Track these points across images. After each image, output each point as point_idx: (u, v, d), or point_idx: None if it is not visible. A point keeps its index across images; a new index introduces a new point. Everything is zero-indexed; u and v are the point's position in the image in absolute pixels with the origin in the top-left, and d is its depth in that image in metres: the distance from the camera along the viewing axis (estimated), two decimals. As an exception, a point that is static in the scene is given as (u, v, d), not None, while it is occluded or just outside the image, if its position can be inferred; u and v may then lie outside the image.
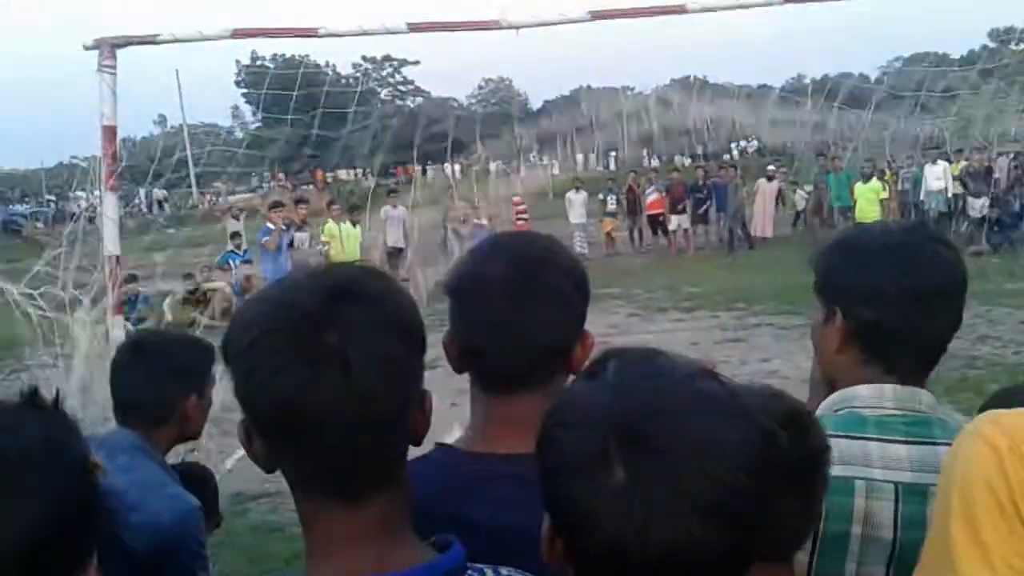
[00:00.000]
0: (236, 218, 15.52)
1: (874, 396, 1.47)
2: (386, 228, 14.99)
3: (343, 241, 13.31)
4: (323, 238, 13.27)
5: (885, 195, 15.40)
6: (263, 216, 12.92)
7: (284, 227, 11.99)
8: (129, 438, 2.06)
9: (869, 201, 15.21)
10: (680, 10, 4.33)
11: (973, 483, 1.10)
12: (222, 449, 4.66)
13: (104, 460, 1.21)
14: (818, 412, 1.54)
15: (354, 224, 14.04)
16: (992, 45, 41.00)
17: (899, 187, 17.89)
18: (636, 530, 0.83)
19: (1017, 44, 31.88)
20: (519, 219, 17.92)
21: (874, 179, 15.53)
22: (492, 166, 27.58)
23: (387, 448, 1.04)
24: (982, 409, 2.02)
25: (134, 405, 2.12)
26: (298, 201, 14.40)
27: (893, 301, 1.44)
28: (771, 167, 18.95)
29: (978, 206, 15.29)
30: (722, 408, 0.90)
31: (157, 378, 2.13)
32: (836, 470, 1.39)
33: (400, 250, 14.97)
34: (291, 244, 12.26)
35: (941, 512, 1.15)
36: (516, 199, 18.37)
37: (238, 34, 4.57)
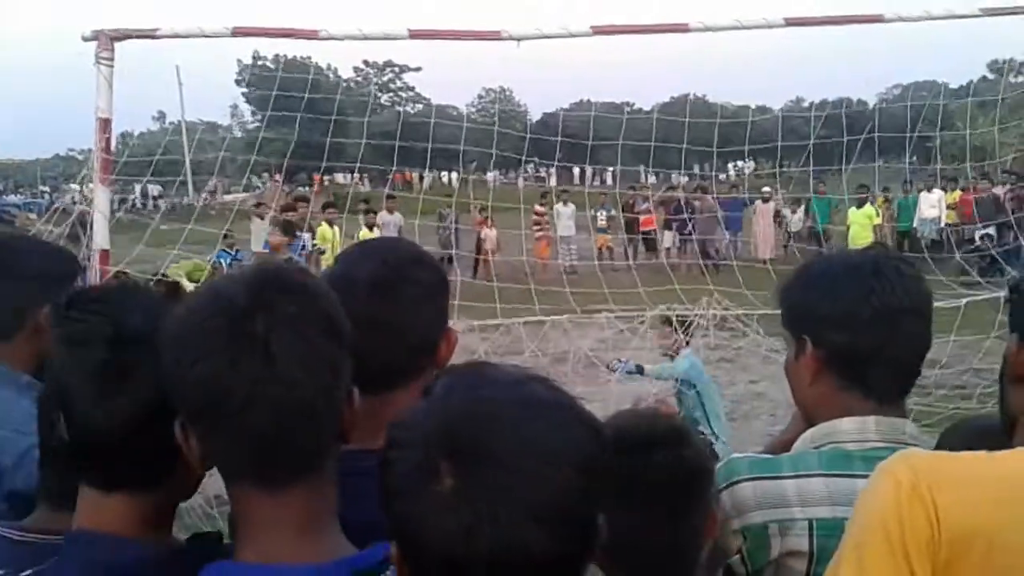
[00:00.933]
0: (261, 217, 15.28)
1: (858, 430, 1.45)
2: (382, 234, 14.99)
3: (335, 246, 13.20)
4: (315, 242, 13.14)
5: (878, 221, 15.41)
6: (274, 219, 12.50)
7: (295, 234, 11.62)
8: None
9: (862, 227, 15.21)
10: (682, 28, 4.35)
11: (869, 521, 1.13)
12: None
13: None
14: (797, 447, 1.53)
15: (370, 228, 14.01)
16: (991, 76, 41.27)
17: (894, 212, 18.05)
18: (464, 538, 0.83)
19: (1016, 76, 32.17)
20: (538, 230, 17.74)
21: (867, 204, 15.53)
22: (489, 175, 27.59)
23: (309, 437, 1.08)
24: (943, 436, 2.01)
25: None
26: (299, 199, 14.24)
27: (864, 322, 1.43)
28: (767, 188, 19.00)
29: (981, 235, 15.28)
30: (550, 411, 0.90)
31: (5, 280, 1.87)
32: (824, 511, 1.39)
33: None
34: (303, 248, 11.90)
35: (839, 547, 1.17)
36: (538, 208, 18.22)
37: (239, 32, 4.55)
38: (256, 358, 1.02)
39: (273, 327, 1.03)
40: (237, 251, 13.86)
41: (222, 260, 13.98)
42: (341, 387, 1.12)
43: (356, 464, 1.29)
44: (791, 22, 4.31)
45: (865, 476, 1.37)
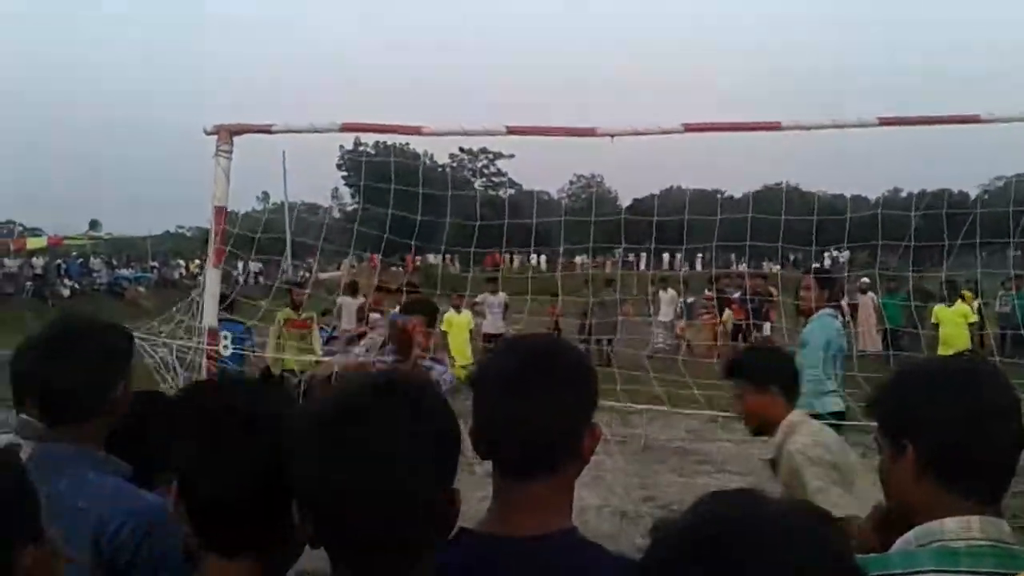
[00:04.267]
0: (353, 296, 15.44)
1: (962, 528, 1.49)
2: (486, 314, 15.30)
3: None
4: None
5: (974, 318, 14.18)
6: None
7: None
8: (69, 449, 1.86)
9: (957, 326, 14.08)
10: (774, 126, 4.41)
11: None
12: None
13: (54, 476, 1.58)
14: (900, 547, 1.56)
15: (457, 310, 13.70)
16: (1101, 168, 39.74)
17: (996, 311, 17.26)
18: None
19: None
20: (705, 312, 17.87)
21: (960, 302, 14.37)
22: (578, 260, 27.76)
23: (402, 534, 1.16)
24: None
25: (66, 397, 1.90)
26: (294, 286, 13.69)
27: (964, 425, 1.50)
28: (865, 279, 18.45)
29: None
30: (803, 535, 0.87)
31: (90, 363, 1.91)
32: None
33: (499, 336, 15.10)
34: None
35: None
36: (708, 294, 18.35)
37: (347, 128, 4.83)
38: (356, 460, 1.13)
39: (376, 432, 1.14)
40: (334, 328, 14.03)
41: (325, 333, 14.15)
42: (442, 487, 1.21)
43: (496, 550, 1.39)
44: (885, 122, 4.32)
45: (972, 572, 1.45)
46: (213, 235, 4.38)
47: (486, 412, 1.44)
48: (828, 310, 6.93)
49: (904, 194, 49.30)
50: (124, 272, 37.78)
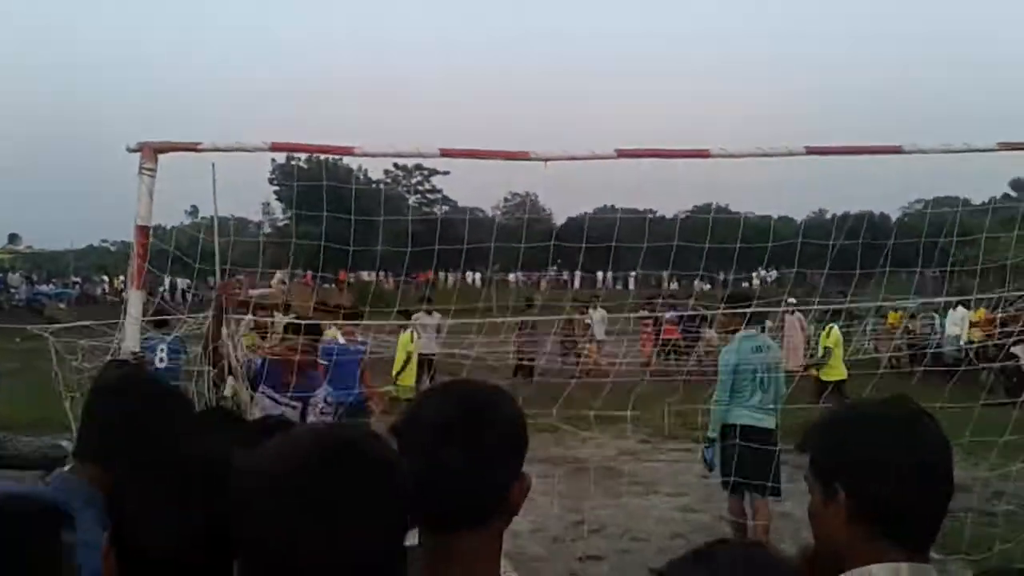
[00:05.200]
0: (284, 312, 14.92)
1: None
2: (421, 335, 14.95)
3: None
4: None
5: (829, 343, 13.62)
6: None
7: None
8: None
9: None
10: (703, 154, 4.47)
11: None
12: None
13: None
14: None
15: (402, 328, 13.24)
16: (1014, 194, 41.56)
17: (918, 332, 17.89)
18: None
19: (1039, 194, 32.47)
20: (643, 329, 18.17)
21: (833, 325, 13.97)
22: (511, 276, 27.87)
23: None
24: None
25: None
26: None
27: (900, 475, 1.49)
28: (792, 299, 18.79)
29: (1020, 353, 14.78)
30: None
31: None
32: None
33: (431, 358, 14.60)
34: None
35: None
36: (645, 321, 18.51)
37: (276, 147, 4.73)
38: (322, 525, 1.05)
39: (339, 497, 1.07)
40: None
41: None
42: (394, 551, 1.15)
43: None
44: (812, 151, 4.42)
45: None
46: (134, 255, 4.24)
47: (412, 464, 1.40)
48: (747, 331, 7.12)
49: (828, 216, 50.73)
50: (44, 288, 36.58)
